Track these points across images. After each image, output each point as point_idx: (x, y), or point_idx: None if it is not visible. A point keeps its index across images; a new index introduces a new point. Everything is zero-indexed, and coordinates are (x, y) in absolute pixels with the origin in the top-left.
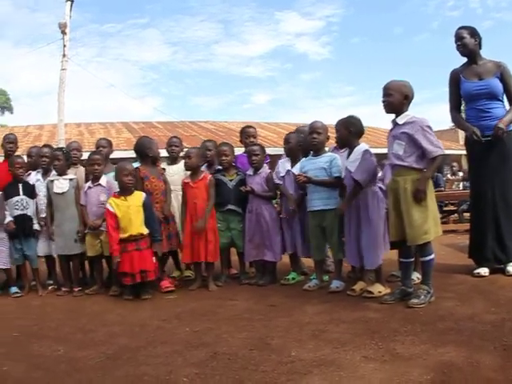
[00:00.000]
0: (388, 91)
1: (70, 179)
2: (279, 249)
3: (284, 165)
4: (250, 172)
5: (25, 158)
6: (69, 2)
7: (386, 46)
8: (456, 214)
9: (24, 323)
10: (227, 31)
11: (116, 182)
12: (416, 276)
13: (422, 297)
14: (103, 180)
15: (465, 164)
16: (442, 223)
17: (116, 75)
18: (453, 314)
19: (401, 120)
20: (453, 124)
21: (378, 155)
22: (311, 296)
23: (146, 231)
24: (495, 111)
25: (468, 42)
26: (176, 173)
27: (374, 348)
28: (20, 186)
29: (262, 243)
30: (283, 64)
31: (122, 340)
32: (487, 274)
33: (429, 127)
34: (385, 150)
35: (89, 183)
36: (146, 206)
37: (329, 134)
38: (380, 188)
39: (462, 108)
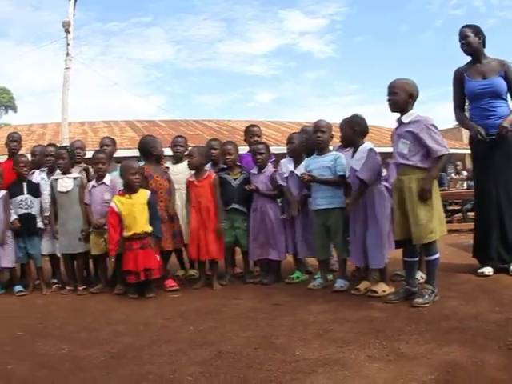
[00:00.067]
0: (393, 90)
1: (74, 178)
2: (283, 248)
3: (287, 165)
4: (254, 171)
5: (29, 156)
6: (72, 1)
7: (390, 44)
8: (460, 214)
9: (28, 322)
10: (230, 29)
11: (120, 181)
12: (420, 275)
13: (427, 296)
14: (107, 179)
15: (469, 163)
16: (446, 222)
17: (120, 74)
18: (457, 313)
19: (406, 119)
20: (457, 123)
21: (381, 154)
22: (316, 295)
23: (150, 229)
24: (499, 110)
25: (472, 41)
26: (180, 172)
27: (378, 347)
28: (24, 184)
29: (266, 242)
30: (287, 62)
31: (126, 339)
32: (491, 273)
33: (434, 126)
34: (389, 149)
35: (93, 182)
36: (151, 204)
37: (333, 132)
38: (386, 187)
39: (465, 107)
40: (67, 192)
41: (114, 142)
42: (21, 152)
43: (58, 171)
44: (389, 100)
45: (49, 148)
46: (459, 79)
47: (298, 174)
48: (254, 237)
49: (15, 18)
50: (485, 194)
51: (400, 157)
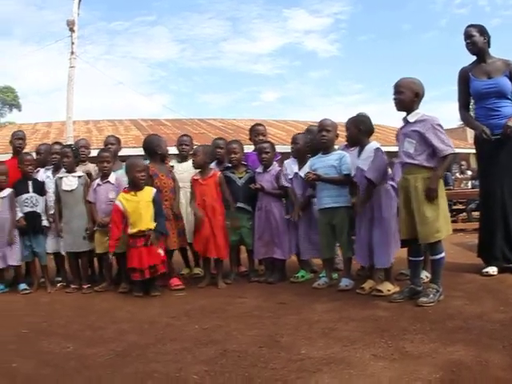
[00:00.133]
0: (399, 89)
1: (79, 176)
2: (288, 246)
3: (291, 166)
4: (259, 169)
5: (33, 155)
6: (76, 0)
7: (395, 43)
8: (465, 213)
9: (33, 320)
10: (235, 28)
11: (125, 179)
12: (425, 275)
13: (431, 295)
14: (112, 177)
15: (473, 162)
16: (451, 222)
17: (124, 73)
18: (462, 312)
19: (412, 118)
20: (461, 122)
21: (387, 153)
22: (320, 294)
23: (154, 226)
24: (504, 110)
25: (477, 40)
26: (186, 170)
27: (383, 346)
28: (30, 183)
29: (271, 241)
30: (292, 61)
31: (131, 337)
32: (496, 273)
33: (440, 125)
34: (394, 148)
35: (98, 180)
36: (156, 202)
37: (338, 132)
38: (392, 186)
39: (470, 106)
40: (72, 191)
41: (118, 140)
42: (25, 150)
43: (63, 169)
44: (395, 99)
45: (55, 146)
46: (464, 79)
47: (303, 175)
48: (258, 236)
49: (19, 17)
50: (490, 193)
51: (406, 156)
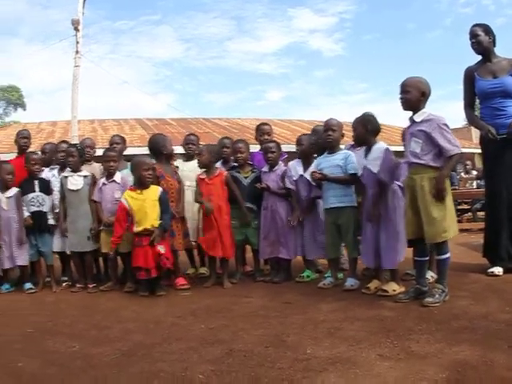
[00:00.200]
0: (405, 88)
1: (85, 176)
2: (294, 246)
3: (296, 168)
4: (265, 169)
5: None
6: None
7: (399, 42)
8: (470, 213)
9: (38, 319)
10: (240, 28)
11: (131, 179)
12: (430, 275)
13: (437, 296)
14: (118, 177)
15: (478, 162)
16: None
17: (129, 72)
18: (467, 312)
19: (418, 117)
20: (466, 122)
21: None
22: (326, 294)
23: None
24: (510, 109)
25: (482, 40)
26: (192, 169)
27: (389, 346)
28: (36, 182)
29: (276, 240)
30: (297, 61)
31: (136, 337)
32: (501, 273)
33: (446, 125)
34: (399, 148)
35: (103, 180)
36: (162, 201)
37: (344, 131)
38: (399, 186)
39: (476, 105)
40: (77, 190)
41: (123, 140)
42: (30, 150)
43: (68, 169)
44: (401, 98)
45: (61, 145)
46: (470, 78)
47: (308, 177)
48: (264, 235)
49: (24, 16)
50: (495, 193)
51: (412, 156)
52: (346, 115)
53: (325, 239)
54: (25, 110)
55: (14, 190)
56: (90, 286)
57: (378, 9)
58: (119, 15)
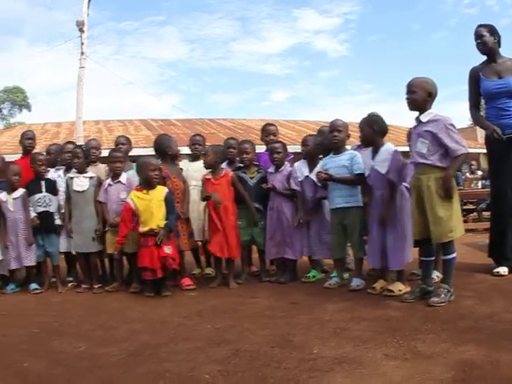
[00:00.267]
0: (412, 88)
1: (91, 177)
2: (300, 247)
3: (301, 169)
4: (271, 169)
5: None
6: (86, 0)
7: (404, 43)
8: (475, 213)
9: (44, 320)
10: (245, 28)
11: (136, 179)
12: (436, 275)
13: (443, 295)
14: (123, 177)
15: (483, 162)
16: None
17: (134, 73)
18: (473, 312)
19: (424, 118)
20: (471, 122)
21: None
22: (332, 294)
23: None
24: None
25: (487, 40)
26: (197, 169)
27: (395, 346)
28: (42, 183)
29: (282, 241)
30: (301, 61)
31: (143, 337)
32: (506, 273)
33: (452, 125)
34: (404, 149)
35: (109, 180)
36: (168, 201)
37: (349, 132)
38: (405, 187)
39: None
40: (83, 191)
41: (129, 140)
42: (35, 150)
43: (74, 170)
44: (407, 99)
45: (68, 145)
46: (475, 78)
47: (313, 177)
48: (270, 236)
49: (29, 17)
50: (501, 193)
51: (419, 156)
52: (351, 116)
53: (331, 239)
54: (30, 111)
55: (20, 191)
56: (96, 286)
57: (383, 9)
58: (124, 16)
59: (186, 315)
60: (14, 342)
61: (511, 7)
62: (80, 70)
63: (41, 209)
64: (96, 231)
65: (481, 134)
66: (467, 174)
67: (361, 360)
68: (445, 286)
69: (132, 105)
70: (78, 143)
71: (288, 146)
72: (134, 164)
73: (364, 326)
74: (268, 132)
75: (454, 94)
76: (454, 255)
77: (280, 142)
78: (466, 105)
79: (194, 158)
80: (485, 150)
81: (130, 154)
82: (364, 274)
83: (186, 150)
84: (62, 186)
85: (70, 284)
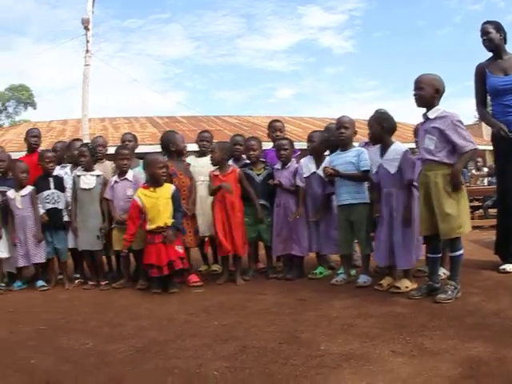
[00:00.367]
0: (419, 84)
1: (97, 175)
2: (306, 243)
3: (308, 165)
4: (278, 166)
5: None
6: None
7: (409, 40)
8: (481, 210)
9: (51, 317)
10: (250, 25)
11: (143, 176)
12: (442, 271)
13: (450, 292)
14: (130, 174)
15: (489, 159)
16: None
17: (139, 70)
18: (479, 309)
19: (432, 114)
20: (477, 119)
21: None
22: (339, 290)
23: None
24: None
25: (494, 37)
26: (205, 165)
27: (402, 342)
28: (51, 179)
29: (289, 237)
30: (307, 58)
31: (150, 333)
32: None
33: (460, 122)
34: (411, 145)
35: (115, 178)
36: (175, 199)
37: (356, 128)
38: (413, 185)
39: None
40: (90, 189)
41: (135, 137)
42: (41, 148)
43: (81, 167)
44: (415, 95)
45: (76, 142)
46: (481, 75)
47: (321, 173)
48: (277, 232)
49: (33, 15)
50: (507, 190)
51: (426, 152)
52: (357, 113)
53: (338, 236)
54: (35, 108)
55: (28, 189)
56: (103, 283)
57: (388, 6)
58: (128, 14)
59: (193, 312)
60: (21, 339)
61: None
62: (85, 67)
63: (49, 206)
64: (101, 229)
65: (486, 130)
66: (473, 171)
67: (368, 356)
68: (452, 282)
69: (137, 102)
70: (84, 141)
71: (294, 143)
72: (141, 161)
73: (371, 322)
74: (275, 128)
75: (460, 91)
76: (461, 252)
77: (287, 138)
78: (472, 101)
79: (200, 154)
80: (491, 147)
81: (136, 151)
82: (371, 270)
83: (192, 147)
84: (68, 183)
85: (76, 281)
